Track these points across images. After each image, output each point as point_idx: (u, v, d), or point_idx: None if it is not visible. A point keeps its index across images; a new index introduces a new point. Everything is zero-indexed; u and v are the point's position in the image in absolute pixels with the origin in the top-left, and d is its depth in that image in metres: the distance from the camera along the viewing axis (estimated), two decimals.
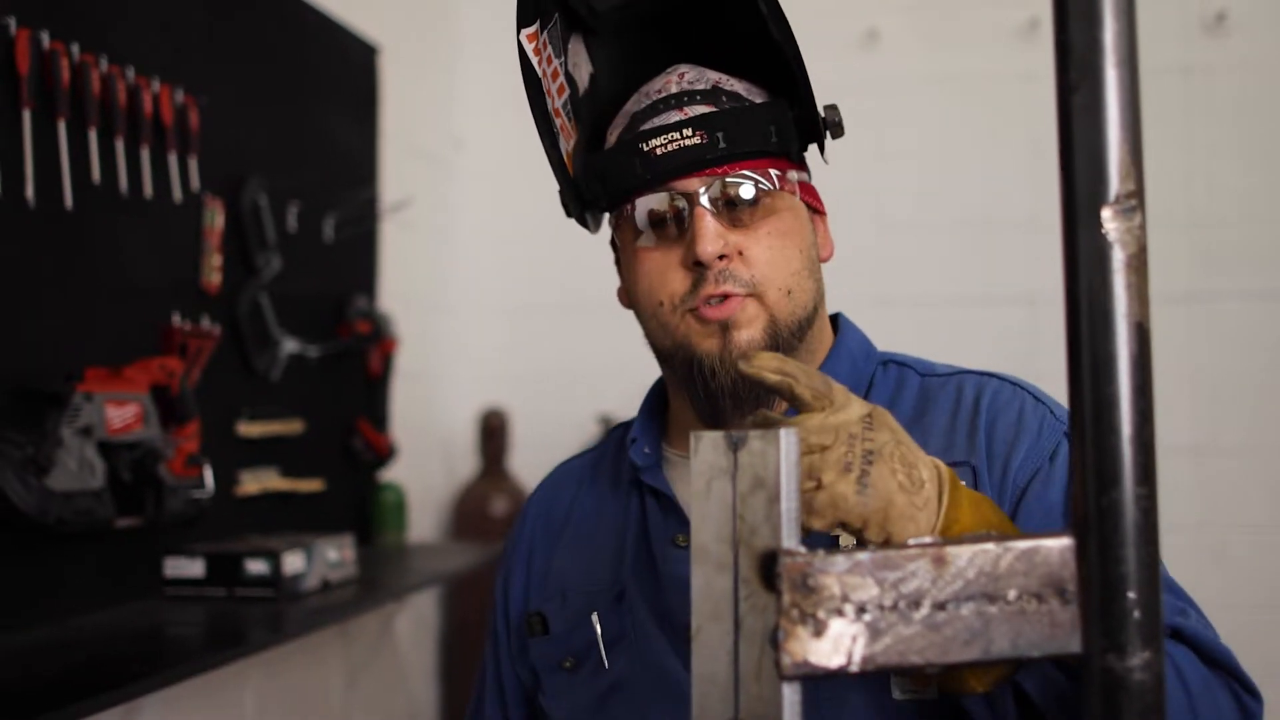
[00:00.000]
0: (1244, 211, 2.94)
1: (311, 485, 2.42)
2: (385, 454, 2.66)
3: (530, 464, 3.15)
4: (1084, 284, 0.58)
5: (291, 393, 2.37)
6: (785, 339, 1.07)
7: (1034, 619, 0.61)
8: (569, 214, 1.18)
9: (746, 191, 1.07)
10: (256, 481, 2.24)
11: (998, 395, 1.09)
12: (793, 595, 0.61)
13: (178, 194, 1.98)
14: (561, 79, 1.14)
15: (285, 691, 2.32)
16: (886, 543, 0.77)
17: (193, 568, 1.96)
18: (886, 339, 1.22)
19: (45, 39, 1.71)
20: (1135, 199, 0.57)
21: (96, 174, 1.80)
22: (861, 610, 0.61)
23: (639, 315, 1.14)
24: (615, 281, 1.18)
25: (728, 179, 1.07)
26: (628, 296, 1.16)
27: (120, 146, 1.84)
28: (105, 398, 1.75)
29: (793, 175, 1.12)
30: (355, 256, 2.68)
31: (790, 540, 0.64)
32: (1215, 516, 2.87)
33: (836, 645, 0.61)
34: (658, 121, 1.09)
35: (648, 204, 1.08)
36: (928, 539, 0.65)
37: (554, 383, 3.30)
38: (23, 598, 1.68)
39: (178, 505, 1.87)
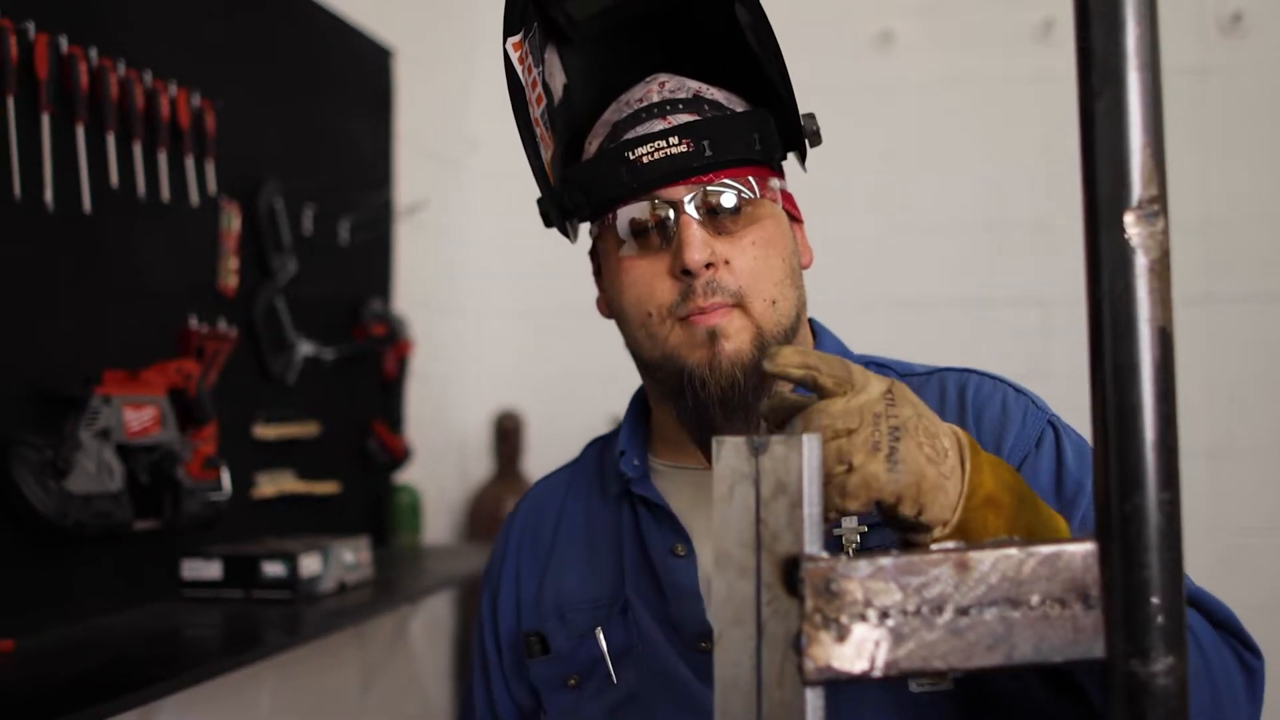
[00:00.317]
0: (1259, 213, 2.92)
1: (327, 487, 2.42)
2: (400, 456, 2.66)
3: (544, 466, 3.12)
4: (1106, 289, 0.58)
5: (307, 395, 2.38)
6: None
7: (1057, 624, 0.61)
8: (548, 224, 1.18)
9: (729, 200, 1.07)
10: (273, 483, 2.25)
11: (980, 389, 1.11)
12: (815, 600, 0.61)
13: (195, 197, 1.99)
14: (540, 89, 1.14)
15: (301, 693, 2.33)
16: (919, 515, 0.77)
17: (210, 570, 1.96)
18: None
19: (64, 43, 1.72)
20: (1158, 204, 0.57)
21: (115, 178, 1.80)
22: (884, 615, 0.61)
23: (623, 325, 1.13)
24: None
25: (710, 187, 1.06)
26: (609, 307, 1.15)
27: (138, 150, 1.85)
28: (123, 400, 1.76)
29: (774, 183, 1.12)
30: (370, 259, 2.69)
31: (813, 545, 0.64)
32: (1231, 519, 2.86)
33: (859, 650, 0.61)
34: (641, 130, 1.08)
35: (629, 213, 1.08)
36: (950, 545, 0.65)
37: (568, 385, 3.30)
38: (41, 600, 1.69)
39: (195, 507, 1.87)
